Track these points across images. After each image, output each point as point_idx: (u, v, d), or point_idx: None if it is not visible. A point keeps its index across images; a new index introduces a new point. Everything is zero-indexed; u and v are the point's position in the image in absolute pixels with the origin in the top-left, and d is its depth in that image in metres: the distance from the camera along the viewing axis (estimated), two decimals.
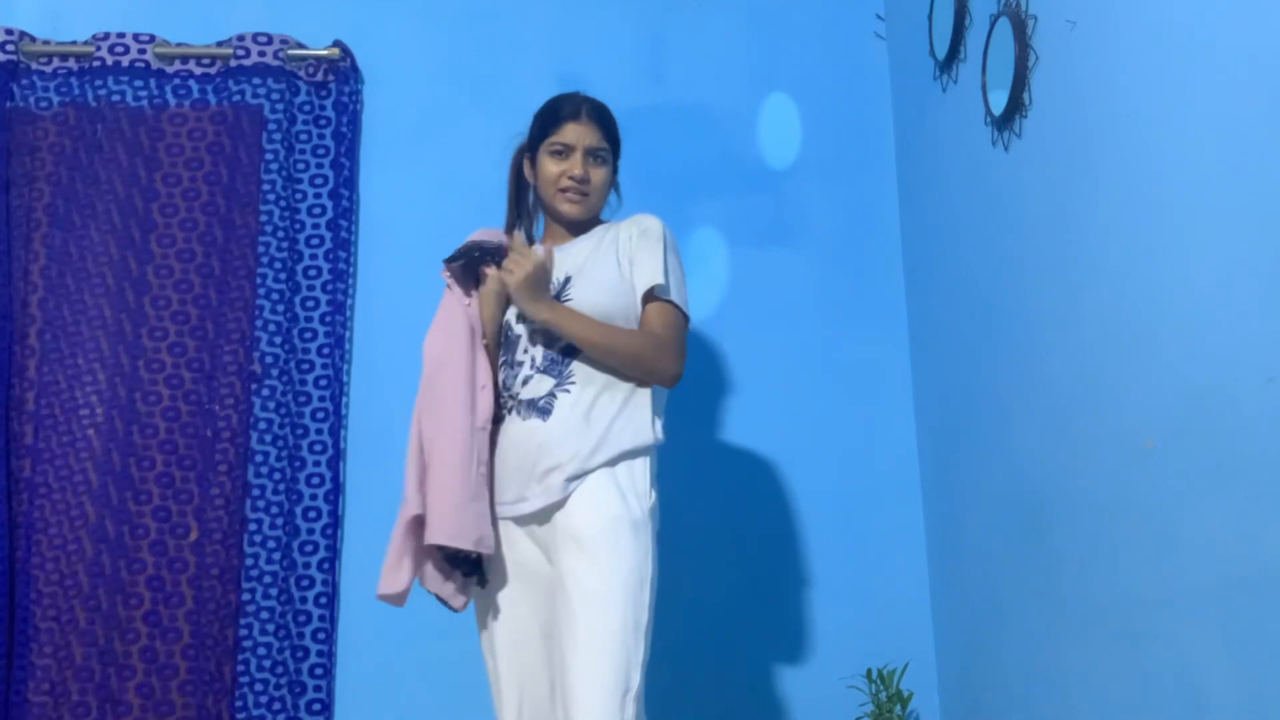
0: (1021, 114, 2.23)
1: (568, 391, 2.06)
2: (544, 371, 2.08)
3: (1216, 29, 1.62)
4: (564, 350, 2.09)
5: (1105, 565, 1.93)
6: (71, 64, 2.90)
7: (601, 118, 2.22)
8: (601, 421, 2.04)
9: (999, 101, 2.29)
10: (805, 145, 3.04)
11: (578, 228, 2.24)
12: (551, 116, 2.22)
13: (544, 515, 2.03)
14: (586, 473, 2.01)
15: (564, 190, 2.18)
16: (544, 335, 2.11)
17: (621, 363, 2.07)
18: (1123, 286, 1.87)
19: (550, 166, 2.19)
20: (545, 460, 2.02)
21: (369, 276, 2.90)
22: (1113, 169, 1.90)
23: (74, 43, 2.91)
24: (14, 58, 2.88)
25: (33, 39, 2.90)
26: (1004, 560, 2.36)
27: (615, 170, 2.26)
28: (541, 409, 2.05)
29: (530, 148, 2.25)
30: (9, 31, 2.88)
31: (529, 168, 2.26)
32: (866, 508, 2.85)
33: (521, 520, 2.07)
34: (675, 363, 2.11)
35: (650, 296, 2.12)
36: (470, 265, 2.19)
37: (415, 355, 2.18)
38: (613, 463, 2.03)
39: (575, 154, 2.18)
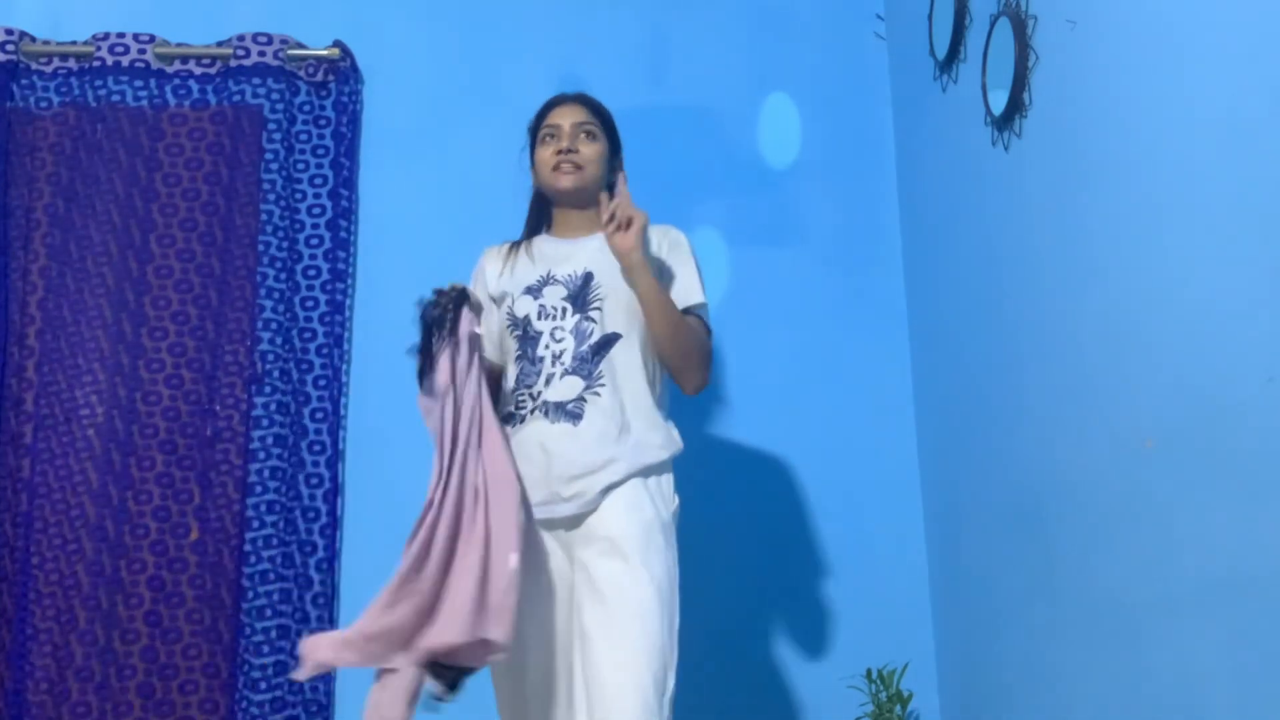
0: (1021, 114, 2.23)
1: (598, 395, 2.04)
2: (573, 372, 2.06)
3: (1216, 29, 1.62)
4: (594, 348, 2.07)
5: (1104, 565, 1.93)
6: (71, 64, 2.90)
7: (587, 100, 2.25)
8: (636, 431, 2.04)
9: (999, 101, 2.29)
10: (805, 145, 3.04)
11: (582, 212, 2.22)
12: (539, 112, 2.26)
13: (574, 521, 2.03)
14: (621, 482, 2.01)
15: (556, 167, 2.18)
16: (573, 332, 2.09)
17: (678, 350, 2.07)
18: (1122, 286, 1.87)
19: (543, 152, 2.21)
20: (577, 465, 2.01)
21: (368, 276, 2.89)
22: (1113, 169, 1.90)
23: (74, 43, 2.91)
24: (14, 58, 2.87)
25: (33, 39, 2.90)
26: (1004, 560, 2.36)
27: (614, 156, 2.25)
28: (571, 413, 2.04)
29: (530, 156, 2.27)
30: (9, 31, 2.88)
31: (534, 174, 2.26)
32: (867, 508, 2.85)
33: (549, 524, 2.05)
34: (708, 376, 2.15)
35: (687, 312, 2.13)
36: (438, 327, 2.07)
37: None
38: (646, 473, 2.03)
39: (563, 130, 2.19)
